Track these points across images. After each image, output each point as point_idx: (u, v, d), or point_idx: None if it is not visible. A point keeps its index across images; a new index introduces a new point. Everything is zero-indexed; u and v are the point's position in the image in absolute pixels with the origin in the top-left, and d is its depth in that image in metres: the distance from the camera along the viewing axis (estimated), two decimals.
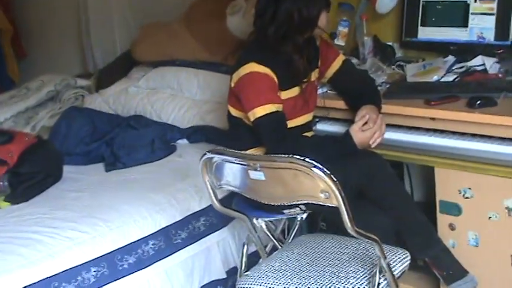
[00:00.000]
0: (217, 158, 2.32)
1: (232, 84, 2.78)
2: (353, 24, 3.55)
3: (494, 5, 3.08)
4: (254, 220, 2.69)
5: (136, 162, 3.42)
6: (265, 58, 2.70)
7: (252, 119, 2.69)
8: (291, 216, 2.84)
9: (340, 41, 3.51)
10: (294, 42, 2.73)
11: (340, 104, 3.00)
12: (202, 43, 3.86)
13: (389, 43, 3.44)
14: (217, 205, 2.46)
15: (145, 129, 3.64)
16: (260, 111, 2.66)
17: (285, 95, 2.76)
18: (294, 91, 2.80)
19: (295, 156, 2.14)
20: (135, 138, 3.56)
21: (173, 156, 3.50)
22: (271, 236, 2.83)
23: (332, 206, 2.16)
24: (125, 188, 3.15)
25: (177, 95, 3.86)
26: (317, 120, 3.10)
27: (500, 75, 2.98)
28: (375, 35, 3.45)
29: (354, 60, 3.34)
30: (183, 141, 3.66)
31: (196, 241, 3.05)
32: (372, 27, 3.48)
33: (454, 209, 2.80)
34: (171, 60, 3.99)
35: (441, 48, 3.24)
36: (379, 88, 3.03)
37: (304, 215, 2.85)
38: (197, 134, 3.64)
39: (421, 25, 3.30)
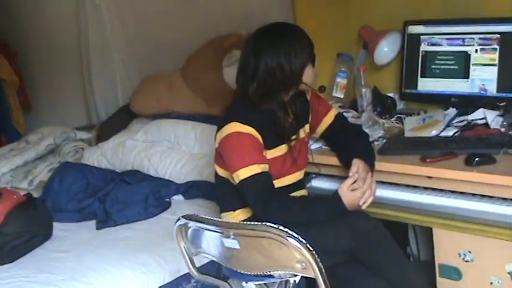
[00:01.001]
0: (191, 224, 2.20)
1: (216, 144, 2.68)
2: (352, 75, 3.44)
3: (496, 56, 2.96)
4: (244, 283, 2.55)
5: (128, 219, 3.32)
6: (249, 117, 2.59)
7: (236, 181, 2.57)
8: (281, 280, 2.70)
9: (338, 93, 3.42)
10: (278, 100, 2.62)
11: (333, 159, 2.88)
12: (200, 95, 3.79)
13: (390, 94, 3.32)
14: (194, 273, 2.35)
15: (139, 185, 3.55)
16: (244, 173, 2.54)
17: (271, 154, 2.65)
18: (281, 149, 2.68)
19: (269, 224, 2.01)
20: (128, 195, 3.47)
21: (167, 214, 3.39)
22: None
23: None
24: (112, 247, 3.04)
25: (174, 149, 3.77)
26: (313, 176, 2.97)
27: (502, 130, 2.83)
28: (375, 86, 3.33)
29: (350, 114, 3.22)
30: (178, 197, 3.55)
31: None
32: (371, 78, 3.38)
33: (454, 273, 2.65)
34: (169, 113, 3.91)
35: (442, 100, 3.13)
36: (375, 143, 2.93)
37: (297, 278, 2.70)
38: (193, 190, 3.53)
39: (421, 76, 3.19)
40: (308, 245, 1.98)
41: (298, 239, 1.97)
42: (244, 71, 2.63)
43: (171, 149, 3.79)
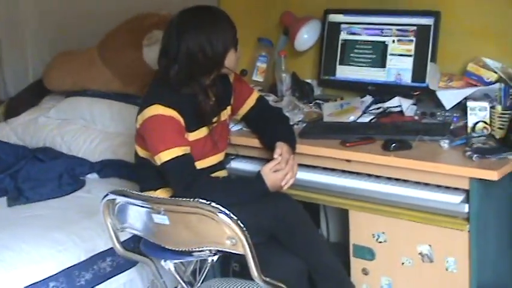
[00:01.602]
0: (120, 199, 2.20)
1: (138, 126, 2.67)
2: (272, 60, 3.49)
3: (412, 47, 3.07)
4: (162, 262, 2.56)
5: (41, 197, 3.25)
6: (170, 99, 2.59)
7: (158, 163, 2.58)
8: (200, 258, 2.73)
9: (258, 77, 3.47)
10: (199, 84, 2.63)
11: (254, 141, 2.92)
12: (117, 74, 3.73)
13: (308, 81, 3.39)
14: (119, 249, 2.35)
15: (53, 162, 3.48)
16: (166, 155, 2.55)
17: (193, 136, 2.67)
18: (202, 132, 2.70)
19: (200, 200, 2.04)
20: (41, 172, 3.40)
21: (81, 192, 3.34)
22: (179, 279, 2.69)
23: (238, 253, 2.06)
24: (26, 225, 2.97)
25: (89, 127, 3.71)
26: (232, 158, 3.01)
27: (416, 118, 2.96)
28: (294, 72, 3.40)
29: (271, 98, 3.28)
30: (93, 176, 3.50)
31: (101, 282, 2.90)
32: (291, 64, 3.43)
33: (367, 254, 2.75)
34: (84, 91, 3.84)
35: (359, 88, 3.22)
36: (295, 127, 2.98)
37: (215, 257, 2.73)
38: (108, 169, 3.50)
39: (339, 64, 3.27)
40: (239, 222, 2.01)
41: (229, 216, 2.01)
42: (166, 54, 2.63)
43: (85, 127, 3.72)
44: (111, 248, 2.90)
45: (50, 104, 3.96)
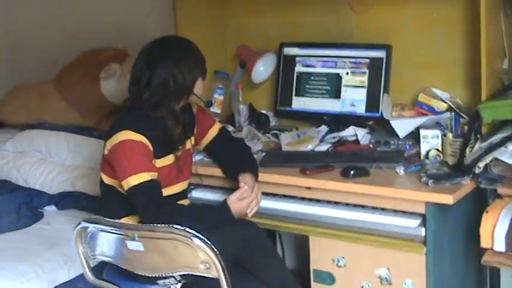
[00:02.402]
0: (92, 227, 2.24)
1: (106, 152, 2.71)
2: (228, 92, 3.58)
3: (365, 78, 3.20)
4: None
5: (0, 229, 3.23)
6: (140, 125, 2.66)
7: (126, 188, 2.62)
8: (165, 287, 2.77)
9: (216, 109, 3.54)
10: (169, 109, 2.71)
11: (216, 171, 2.99)
12: (74, 106, 3.76)
13: (264, 111, 3.49)
14: (90, 277, 2.37)
15: (10, 195, 3.48)
16: (134, 180, 2.60)
17: (160, 163, 2.73)
18: (169, 159, 2.77)
19: (175, 226, 2.09)
20: None
21: (40, 224, 3.36)
22: None
23: (211, 277, 2.11)
24: None
25: (46, 160, 3.72)
26: (192, 187, 3.07)
27: (371, 146, 3.08)
28: (250, 103, 3.49)
29: (230, 128, 3.36)
30: (51, 208, 3.52)
31: None
32: (248, 95, 3.53)
33: (327, 278, 2.82)
34: (40, 123, 3.85)
35: (315, 118, 3.33)
36: (255, 156, 3.05)
37: (179, 285, 2.77)
38: (66, 201, 3.51)
39: (295, 95, 3.38)
40: (213, 246, 2.07)
41: (204, 240, 2.07)
42: (138, 81, 2.71)
43: (42, 159, 3.73)
44: (73, 278, 2.96)
45: (5, 137, 3.93)
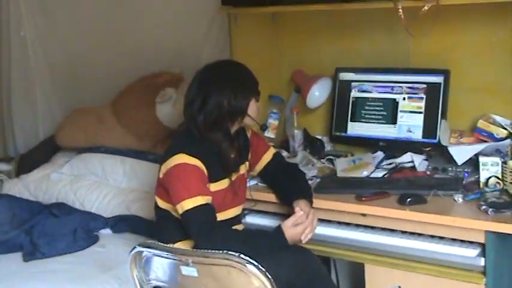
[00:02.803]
0: (147, 252, 2.24)
1: (161, 175, 2.73)
2: (283, 116, 3.57)
3: (423, 104, 3.16)
4: None
5: (56, 252, 3.26)
6: (195, 149, 2.68)
7: (180, 212, 2.63)
8: None
9: (270, 133, 3.53)
10: (224, 131, 2.73)
11: (270, 196, 2.98)
12: (130, 130, 3.80)
13: (319, 137, 3.47)
14: None
15: (67, 218, 3.51)
16: (189, 203, 2.61)
17: (214, 187, 2.73)
18: (224, 183, 2.77)
19: (229, 252, 2.08)
20: (56, 227, 3.41)
21: (96, 247, 3.36)
22: None
23: None
24: (42, 279, 2.99)
25: (102, 183, 3.75)
26: (246, 212, 3.06)
27: (428, 173, 3.02)
28: (305, 128, 3.47)
29: (284, 153, 3.35)
30: (106, 231, 3.53)
31: None
32: (302, 120, 3.52)
33: None
34: (97, 147, 3.90)
35: (370, 144, 3.29)
36: (310, 182, 3.03)
37: None
38: (121, 224, 3.53)
39: (350, 120, 3.35)
40: (267, 273, 2.05)
41: (258, 267, 2.05)
42: (192, 104, 2.73)
43: (98, 183, 3.76)
44: None
45: (62, 160, 4.00)
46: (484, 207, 2.57)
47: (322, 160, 3.30)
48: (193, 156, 2.66)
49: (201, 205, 2.61)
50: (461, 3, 2.86)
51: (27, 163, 4.15)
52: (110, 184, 3.74)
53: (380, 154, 3.20)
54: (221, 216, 2.75)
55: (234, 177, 2.81)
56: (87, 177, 3.80)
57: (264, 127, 3.01)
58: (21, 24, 4.34)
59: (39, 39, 4.37)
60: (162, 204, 2.80)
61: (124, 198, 3.65)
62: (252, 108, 2.77)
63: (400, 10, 2.86)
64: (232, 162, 2.78)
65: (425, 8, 2.79)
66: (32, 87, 4.41)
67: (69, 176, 3.85)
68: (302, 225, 2.67)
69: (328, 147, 3.46)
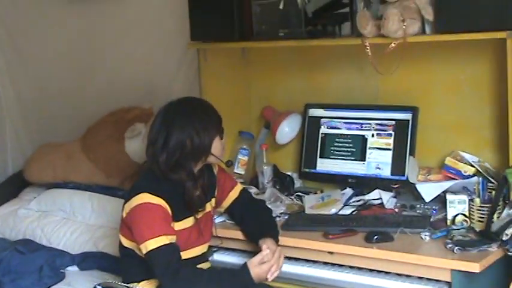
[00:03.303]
0: None
1: (124, 215, 2.70)
2: (253, 152, 3.55)
3: (391, 141, 3.15)
4: None
5: None
6: (159, 188, 2.64)
7: (144, 252, 2.58)
8: None
9: (239, 169, 3.51)
10: (187, 171, 2.69)
11: (237, 234, 2.94)
12: (99, 166, 3.76)
13: (289, 173, 3.44)
14: None
15: (33, 255, 3.46)
16: (152, 243, 2.57)
17: (179, 225, 2.69)
18: (189, 222, 2.74)
19: None
20: (21, 264, 3.37)
21: (62, 285, 3.30)
22: None
23: None
24: None
25: (70, 219, 3.70)
26: (214, 250, 3.02)
27: (396, 210, 3.00)
28: (275, 164, 3.45)
29: (254, 190, 3.33)
30: (73, 268, 3.47)
31: None
32: (272, 156, 3.49)
33: None
34: (65, 183, 3.85)
35: (339, 181, 3.27)
36: (277, 219, 3.01)
37: None
38: (89, 261, 3.47)
39: (320, 157, 3.33)
40: None
41: None
42: (155, 143, 2.70)
43: (66, 219, 3.71)
44: None
45: (30, 195, 3.95)
46: (450, 245, 2.55)
47: (291, 197, 3.27)
48: (156, 196, 2.62)
49: (164, 245, 2.57)
50: (429, 41, 2.87)
51: None
52: (78, 220, 3.70)
53: (349, 191, 3.18)
54: (186, 254, 2.71)
55: (199, 215, 2.77)
56: (55, 213, 3.76)
57: (229, 163, 2.99)
58: None
59: (8, 71, 4.34)
60: (126, 243, 2.75)
61: (92, 234, 3.60)
62: (216, 146, 2.74)
63: (368, 47, 2.87)
64: (196, 201, 2.74)
65: (393, 45, 2.79)
66: (0, 122, 4.37)
67: (36, 211, 3.81)
68: (268, 264, 2.63)
69: (297, 183, 3.44)
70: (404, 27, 2.75)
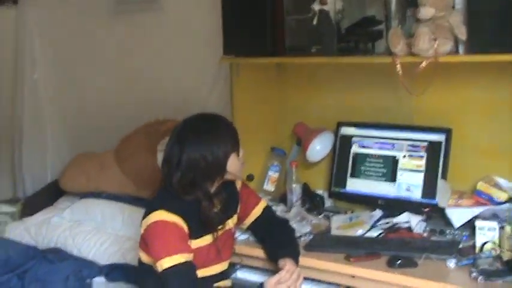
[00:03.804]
0: None
1: (142, 231, 2.67)
2: (284, 169, 3.49)
3: (423, 162, 3.05)
4: None
5: None
6: (175, 205, 2.60)
7: (159, 270, 2.55)
8: None
9: (269, 186, 3.46)
10: (203, 190, 2.63)
11: (258, 252, 2.89)
12: (131, 177, 3.77)
13: (320, 192, 3.38)
14: None
15: (60, 264, 3.47)
16: (167, 262, 2.53)
17: (196, 243, 2.64)
18: (206, 239, 2.68)
19: None
20: (48, 273, 3.39)
21: None
22: None
23: None
24: None
25: (100, 229, 3.71)
26: (237, 267, 2.97)
27: (425, 235, 2.90)
28: (305, 183, 3.39)
29: (280, 207, 3.26)
30: (100, 279, 3.47)
31: None
32: (303, 174, 3.42)
33: None
34: (98, 193, 3.87)
35: (369, 201, 3.19)
36: (302, 239, 2.94)
37: None
38: (116, 273, 3.46)
39: (350, 176, 3.26)
40: None
41: None
42: (169, 161, 2.65)
43: (96, 229, 3.72)
44: None
45: (65, 204, 3.98)
46: (474, 274, 2.45)
47: (320, 216, 3.20)
48: (172, 213, 2.58)
49: (179, 264, 2.53)
50: (462, 61, 2.78)
51: (31, 206, 4.15)
52: (108, 231, 3.70)
53: (378, 212, 3.09)
54: (205, 272, 2.67)
55: (219, 232, 2.72)
56: (87, 223, 3.78)
57: (250, 177, 2.94)
58: (34, 67, 4.38)
59: (51, 83, 4.41)
60: (144, 258, 2.73)
61: (121, 246, 3.60)
62: (233, 163, 2.67)
63: (398, 66, 2.79)
64: (213, 219, 2.68)
65: (423, 64, 2.71)
66: (42, 130, 4.45)
67: (69, 221, 3.83)
68: (285, 284, 2.57)
69: (328, 203, 3.37)
70: (435, 46, 2.67)
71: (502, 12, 2.54)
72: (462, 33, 2.66)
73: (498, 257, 2.59)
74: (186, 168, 2.60)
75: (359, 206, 3.24)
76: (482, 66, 2.80)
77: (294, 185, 3.34)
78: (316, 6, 3.06)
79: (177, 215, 2.57)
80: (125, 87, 4.17)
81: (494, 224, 2.66)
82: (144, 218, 2.65)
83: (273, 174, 3.48)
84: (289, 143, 3.54)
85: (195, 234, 2.63)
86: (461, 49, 2.72)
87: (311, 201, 3.32)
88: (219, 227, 2.71)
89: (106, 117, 4.27)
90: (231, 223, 2.80)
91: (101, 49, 4.23)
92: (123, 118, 4.15)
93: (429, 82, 2.80)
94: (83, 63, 4.33)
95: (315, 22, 3.07)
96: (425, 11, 2.70)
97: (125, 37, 4.12)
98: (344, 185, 3.27)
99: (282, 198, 3.42)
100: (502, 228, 2.65)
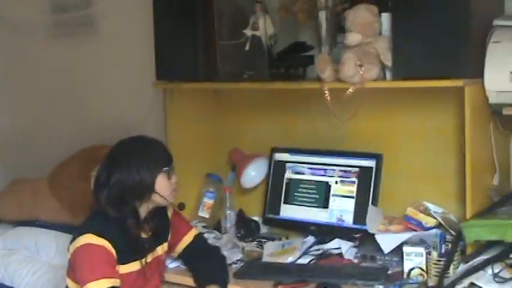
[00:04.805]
0: None
1: (69, 256, 2.62)
2: (219, 196, 3.46)
3: (354, 188, 3.05)
4: None
5: None
6: (104, 229, 2.57)
7: None
8: None
9: (204, 213, 3.44)
10: (129, 207, 2.62)
11: (188, 280, 2.84)
12: (66, 204, 3.69)
13: (255, 218, 3.35)
14: None
15: None
16: (94, 286, 2.48)
17: (124, 269, 2.61)
18: (135, 265, 2.65)
19: None
20: None
21: None
22: None
23: None
24: None
25: (34, 258, 3.62)
26: None
27: (355, 261, 2.89)
28: (240, 209, 3.37)
29: (212, 235, 3.23)
30: None
31: None
32: (239, 201, 3.41)
33: None
34: (32, 220, 3.79)
35: (302, 228, 3.18)
36: (233, 266, 2.92)
37: None
38: None
39: (283, 202, 3.24)
40: None
41: None
42: (98, 180, 2.65)
43: (30, 257, 3.64)
44: None
45: None
46: None
47: (253, 243, 3.17)
48: (100, 237, 2.55)
49: None
50: (390, 87, 2.79)
51: None
52: (42, 260, 3.62)
53: (311, 239, 3.08)
54: None
55: (149, 258, 2.69)
56: (20, 251, 3.68)
57: (181, 206, 2.91)
58: None
59: None
60: (71, 285, 2.69)
61: (55, 274, 3.51)
62: (162, 185, 2.65)
63: (326, 91, 2.79)
64: (144, 243, 2.67)
65: (350, 90, 2.71)
66: None
67: (2, 249, 3.73)
68: None
69: (264, 229, 3.34)
70: (361, 72, 2.67)
71: (427, 39, 2.55)
72: (388, 60, 2.67)
73: (423, 283, 2.59)
74: (113, 186, 2.60)
75: (293, 233, 3.22)
76: (411, 91, 2.81)
77: (228, 212, 3.32)
78: (248, 32, 3.06)
79: (105, 239, 2.54)
80: (60, 112, 4.11)
81: (421, 250, 2.67)
82: (71, 242, 2.61)
83: (208, 201, 3.45)
84: (225, 169, 3.52)
85: (123, 259, 2.60)
86: (388, 75, 2.73)
87: (246, 228, 3.29)
88: (148, 254, 2.68)
89: (42, 143, 4.20)
90: (160, 250, 2.77)
91: (35, 71, 4.17)
92: (60, 144, 4.09)
93: (358, 108, 2.80)
94: (17, 86, 4.26)
95: (247, 47, 3.07)
96: (352, 37, 2.71)
97: (62, 60, 4.06)
98: (278, 212, 3.25)
99: (217, 225, 3.39)
100: (429, 253, 2.64)
